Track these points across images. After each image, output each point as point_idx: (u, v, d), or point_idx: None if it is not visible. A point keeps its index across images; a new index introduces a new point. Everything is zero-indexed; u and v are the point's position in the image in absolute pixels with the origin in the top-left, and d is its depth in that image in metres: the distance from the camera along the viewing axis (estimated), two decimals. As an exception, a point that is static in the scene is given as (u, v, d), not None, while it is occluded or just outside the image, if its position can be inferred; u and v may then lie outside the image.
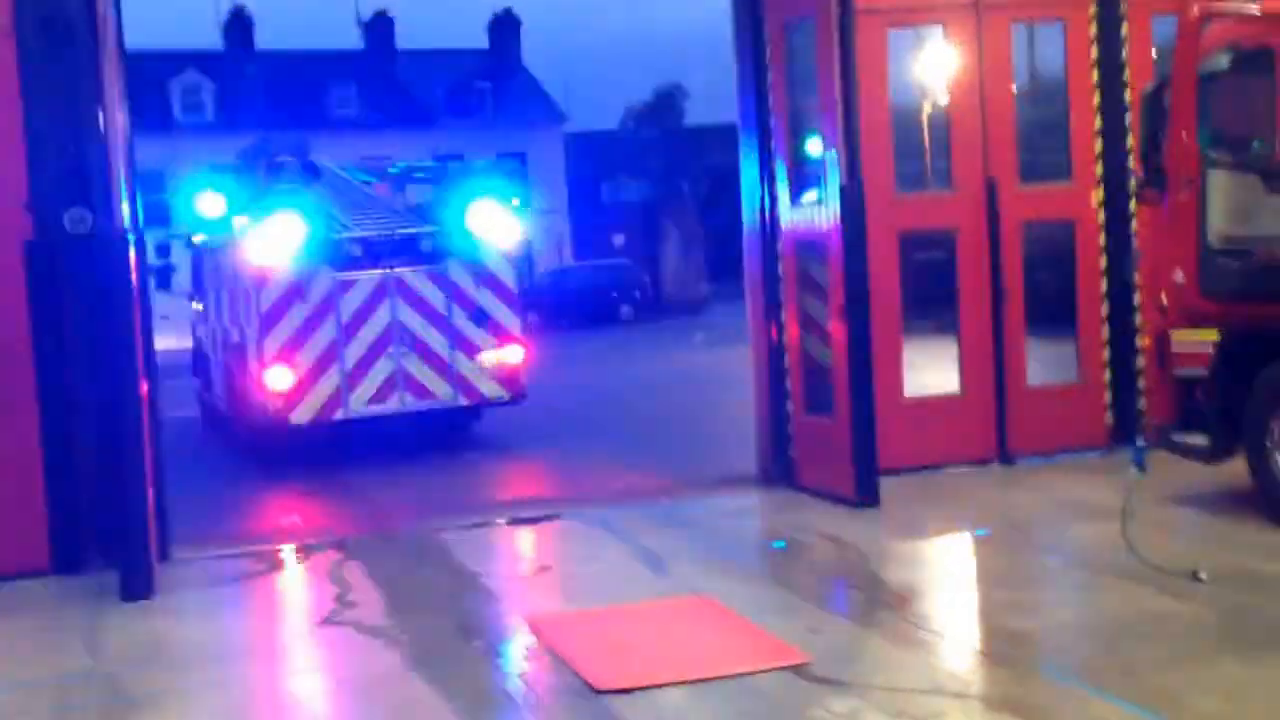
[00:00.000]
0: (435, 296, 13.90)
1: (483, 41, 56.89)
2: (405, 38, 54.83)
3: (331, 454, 13.43)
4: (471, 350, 13.97)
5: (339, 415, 13.54)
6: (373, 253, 13.85)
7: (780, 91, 9.62)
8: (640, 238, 54.32)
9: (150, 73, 47.79)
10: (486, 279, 14.14)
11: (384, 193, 15.73)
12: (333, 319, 13.58)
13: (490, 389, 14.11)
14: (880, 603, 6.65)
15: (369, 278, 13.71)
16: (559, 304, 43.53)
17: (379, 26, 53.77)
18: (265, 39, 52.83)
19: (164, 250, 21.49)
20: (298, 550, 8.81)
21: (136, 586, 7.63)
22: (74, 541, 8.40)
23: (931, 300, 11.45)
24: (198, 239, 17.16)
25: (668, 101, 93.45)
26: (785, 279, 9.67)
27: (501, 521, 9.40)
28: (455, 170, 16.36)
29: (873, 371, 8.80)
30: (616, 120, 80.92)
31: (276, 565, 8.53)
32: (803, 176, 9.58)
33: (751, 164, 10.02)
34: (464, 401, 14.12)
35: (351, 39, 54.80)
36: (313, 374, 13.41)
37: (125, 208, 7.79)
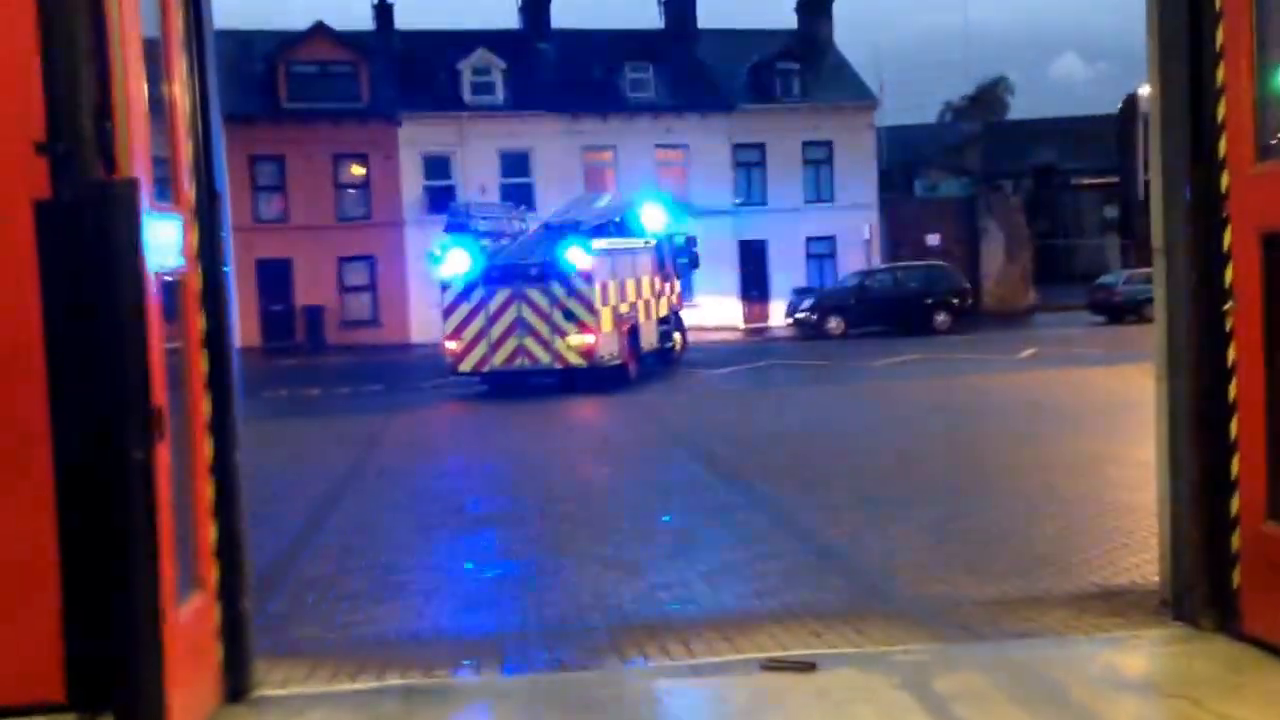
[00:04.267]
0: (543, 302, 23.49)
1: (789, 22, 53.48)
2: (707, 17, 52.09)
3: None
4: (563, 335, 23.41)
5: (486, 369, 23.94)
6: (508, 275, 23.70)
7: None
8: (956, 238, 49.74)
9: (439, 53, 46.65)
10: (574, 292, 23.46)
11: (534, 235, 26.08)
12: (483, 313, 23.73)
13: (574, 359, 23.50)
14: None
15: (504, 289, 23.61)
16: (865, 308, 39.64)
17: (679, 5, 51.09)
18: (563, 19, 51.08)
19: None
20: (410, 697, 5.65)
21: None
22: (99, 667, 5.45)
23: None
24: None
25: (990, 94, 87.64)
26: (1241, 291, 5.78)
27: (750, 664, 5.97)
28: (558, 225, 25.69)
29: None
30: (929, 117, 76.21)
31: (377, 725, 5.39)
32: (1275, 124, 5.76)
33: (1173, 103, 6.19)
34: (558, 366, 23.65)
35: (651, 18, 52.50)
36: (470, 344, 23.79)
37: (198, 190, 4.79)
